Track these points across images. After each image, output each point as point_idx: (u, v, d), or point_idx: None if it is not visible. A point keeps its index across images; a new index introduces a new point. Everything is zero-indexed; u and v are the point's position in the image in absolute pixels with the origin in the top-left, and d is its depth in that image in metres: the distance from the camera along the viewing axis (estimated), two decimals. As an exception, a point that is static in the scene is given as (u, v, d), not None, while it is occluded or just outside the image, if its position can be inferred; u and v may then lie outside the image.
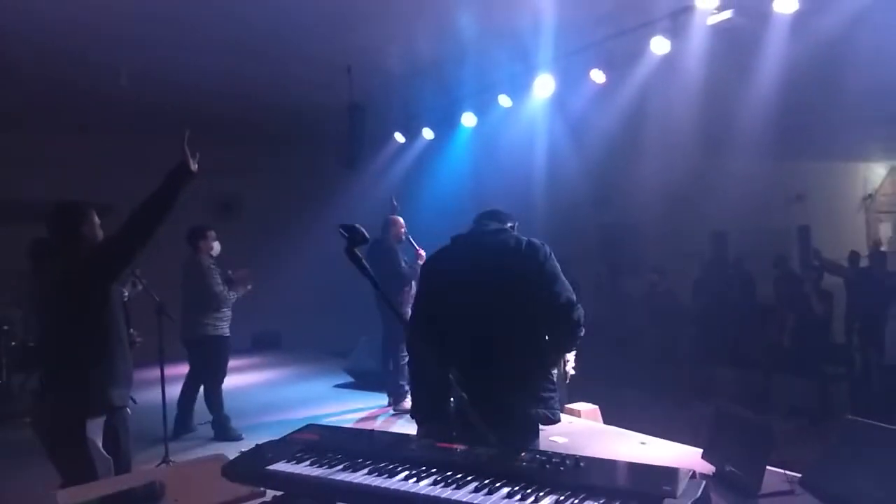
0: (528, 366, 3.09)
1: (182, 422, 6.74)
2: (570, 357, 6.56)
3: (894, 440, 3.90)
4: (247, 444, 6.05)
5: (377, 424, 6.68)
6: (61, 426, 3.48)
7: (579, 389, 6.85)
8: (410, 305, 7.04)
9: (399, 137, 10.21)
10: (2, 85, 8.54)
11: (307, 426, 2.85)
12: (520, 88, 8.59)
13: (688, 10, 7.06)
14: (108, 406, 3.59)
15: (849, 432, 4.45)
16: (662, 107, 8.19)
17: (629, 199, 11.19)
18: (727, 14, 6.92)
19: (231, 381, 8.96)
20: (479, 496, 1.96)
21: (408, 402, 6.90)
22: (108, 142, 10.60)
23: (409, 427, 6.22)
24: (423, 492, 2.04)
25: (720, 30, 7.05)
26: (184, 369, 6.89)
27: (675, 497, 1.76)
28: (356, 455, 2.37)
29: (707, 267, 12.38)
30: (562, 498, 1.88)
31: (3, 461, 6.00)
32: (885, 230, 16.09)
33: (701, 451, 5.36)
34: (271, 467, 2.38)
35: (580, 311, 3.12)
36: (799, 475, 4.38)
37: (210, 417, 6.78)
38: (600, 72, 7.88)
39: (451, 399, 2.70)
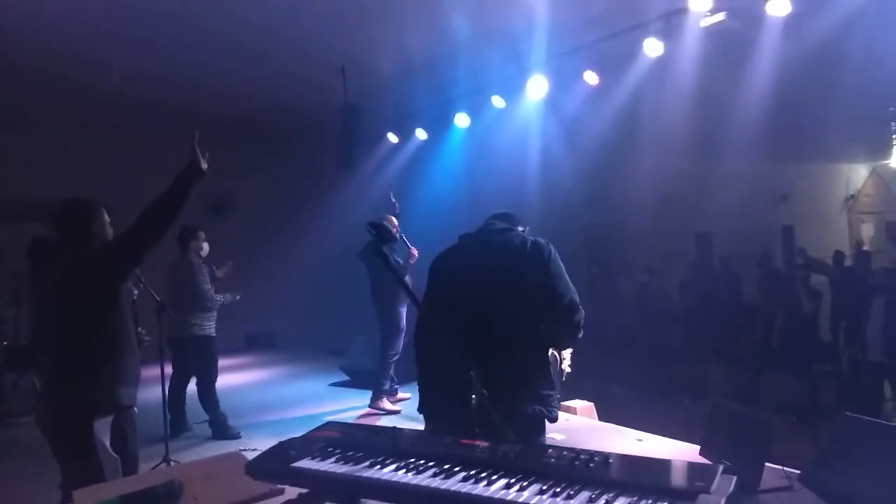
0: (529, 364, 3.11)
1: (176, 422, 6.71)
2: (567, 355, 6.64)
3: (894, 437, 3.96)
4: (245, 443, 6.10)
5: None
6: (69, 425, 3.44)
7: (572, 387, 6.94)
8: (403, 305, 7.25)
9: (392, 138, 10.23)
10: (-1, 84, 8.50)
11: (327, 423, 2.87)
12: (513, 89, 8.64)
13: (681, 12, 7.14)
14: (117, 405, 3.55)
15: (847, 428, 4.52)
16: (654, 108, 8.30)
17: (620, 199, 11.28)
18: (720, 17, 7.00)
19: (226, 381, 8.97)
20: (511, 492, 1.97)
21: (386, 403, 7.20)
22: (104, 141, 10.53)
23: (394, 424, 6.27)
24: (453, 488, 2.06)
25: (713, 32, 7.13)
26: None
27: (708, 493, 1.77)
28: (380, 452, 2.39)
29: (694, 266, 12.51)
30: (594, 495, 1.89)
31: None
32: (866, 230, 16.32)
33: (698, 447, 5.45)
34: (296, 464, 2.40)
35: (581, 314, 3.13)
36: (797, 471, 4.46)
37: (206, 417, 6.77)
38: (593, 73, 7.95)
39: (473, 396, 2.75)
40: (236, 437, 6.60)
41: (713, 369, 9.40)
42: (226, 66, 8.69)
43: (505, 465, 2.16)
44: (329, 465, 2.36)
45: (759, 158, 11.54)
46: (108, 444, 3.49)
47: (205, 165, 3.63)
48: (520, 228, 3.40)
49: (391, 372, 7.43)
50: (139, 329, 4.12)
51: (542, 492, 1.95)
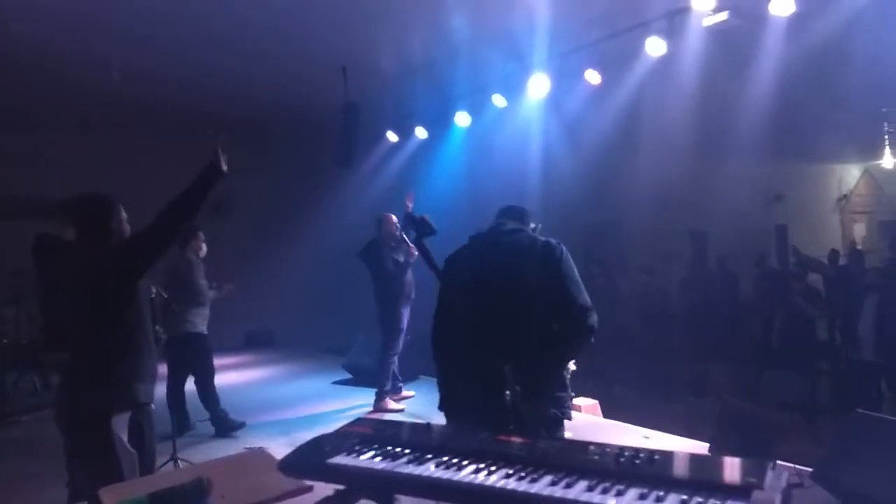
0: (542, 366, 3.09)
1: (178, 421, 6.66)
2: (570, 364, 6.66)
3: (904, 434, 3.99)
4: (252, 442, 6.07)
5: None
6: (86, 421, 3.42)
7: (575, 386, 6.95)
8: (405, 306, 7.21)
9: (391, 136, 10.20)
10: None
11: (358, 419, 2.86)
12: (514, 88, 8.63)
13: (684, 11, 7.15)
14: (134, 402, 3.54)
15: (857, 426, 4.56)
16: (655, 108, 8.32)
17: (619, 198, 11.29)
18: (723, 16, 7.02)
19: (227, 379, 8.96)
20: (558, 489, 1.96)
21: (391, 403, 7.16)
22: (103, 139, 10.46)
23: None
24: (497, 485, 2.06)
25: (715, 32, 7.15)
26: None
27: (762, 489, 1.78)
28: (416, 448, 2.38)
29: (692, 266, 12.56)
30: (645, 491, 1.88)
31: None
32: (858, 230, 16.39)
33: (706, 444, 5.48)
34: (332, 460, 2.39)
35: (594, 317, 3.09)
36: (808, 469, 4.48)
37: (207, 415, 6.75)
38: (595, 72, 7.96)
39: (507, 392, 2.76)
40: (241, 426, 6.65)
41: (713, 368, 9.44)
42: (225, 66, 8.66)
43: (546, 461, 2.16)
44: (366, 462, 2.35)
45: (756, 158, 11.58)
46: (125, 440, 3.48)
47: (225, 167, 3.61)
48: (532, 226, 3.42)
49: (394, 370, 7.40)
50: (156, 327, 4.10)
51: (589, 489, 1.95)
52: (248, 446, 6.09)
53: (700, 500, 1.79)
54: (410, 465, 2.27)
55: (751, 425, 5.35)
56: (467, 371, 3.18)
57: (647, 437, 6.11)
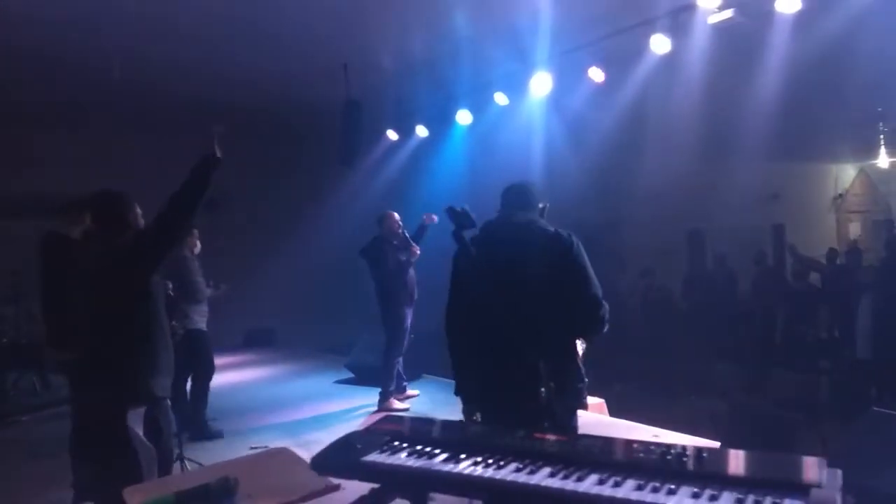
0: (557, 359, 3.06)
1: (181, 420, 6.60)
2: (580, 349, 6.63)
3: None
4: (259, 442, 6.02)
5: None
6: (102, 416, 3.44)
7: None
8: (408, 306, 7.14)
9: (392, 135, 10.14)
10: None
11: (387, 416, 2.83)
12: (516, 86, 8.59)
13: (689, 8, 7.14)
14: (151, 396, 3.58)
15: (875, 424, 4.55)
16: (658, 106, 8.27)
17: (620, 196, 11.28)
18: (728, 13, 7.01)
19: (229, 378, 8.92)
20: (606, 488, 1.92)
21: (395, 403, 7.08)
22: (100, 137, 10.34)
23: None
24: (542, 483, 2.01)
25: (720, 29, 7.14)
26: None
27: (820, 486, 1.74)
28: (451, 445, 2.34)
29: (691, 264, 12.58)
30: (697, 490, 1.84)
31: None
32: (854, 229, 16.45)
33: (717, 444, 5.45)
34: (367, 458, 2.34)
35: (605, 309, 3.10)
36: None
37: (213, 415, 6.70)
38: (599, 70, 7.93)
39: (542, 390, 2.75)
40: (217, 436, 6.55)
41: (714, 367, 9.42)
42: (225, 63, 8.60)
43: (589, 459, 2.12)
44: (402, 460, 2.31)
45: (755, 157, 11.59)
46: (141, 434, 3.50)
47: (220, 153, 3.69)
48: (541, 205, 3.41)
49: (399, 369, 7.35)
50: (172, 322, 4.11)
51: (639, 487, 1.91)
52: (253, 446, 6.06)
53: (756, 498, 1.76)
54: (448, 463, 2.23)
55: (762, 423, 5.34)
56: (488, 363, 3.18)
57: (656, 436, 6.07)
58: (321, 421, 6.84)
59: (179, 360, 6.45)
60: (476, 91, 8.97)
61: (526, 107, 8.72)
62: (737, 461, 1.99)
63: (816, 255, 11.14)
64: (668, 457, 2.04)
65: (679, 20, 7.32)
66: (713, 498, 1.80)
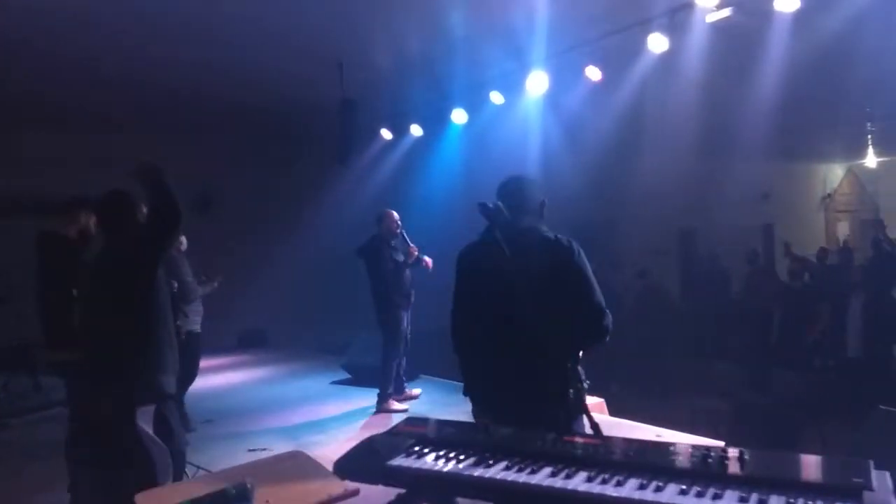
0: (559, 366, 2.99)
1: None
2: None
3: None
4: (260, 445, 5.94)
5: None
6: (110, 416, 3.41)
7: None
8: (405, 308, 7.05)
9: (386, 134, 10.05)
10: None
11: (409, 419, 2.77)
12: (512, 85, 8.54)
13: (686, 7, 7.11)
14: (160, 393, 3.57)
15: (882, 422, 4.55)
16: (654, 106, 8.24)
17: (615, 195, 11.27)
18: (726, 12, 6.99)
19: (224, 379, 8.85)
20: (649, 493, 1.86)
21: (394, 404, 7.01)
22: (88, 136, 10.17)
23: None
24: (580, 488, 1.96)
25: (715, 28, 7.12)
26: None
27: (871, 489, 1.70)
28: (478, 449, 2.29)
29: (686, 263, 12.62)
30: (744, 494, 1.79)
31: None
32: (842, 228, 16.60)
33: (721, 443, 5.43)
34: (393, 463, 2.28)
35: (609, 319, 3.04)
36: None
37: (210, 417, 6.63)
38: (596, 69, 7.89)
39: (571, 390, 2.73)
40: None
41: (711, 366, 9.42)
42: (216, 61, 8.47)
43: (627, 464, 2.07)
44: (429, 464, 2.25)
45: (746, 157, 11.64)
46: (151, 433, 3.46)
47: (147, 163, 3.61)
48: (540, 201, 3.31)
49: (399, 371, 7.27)
50: (177, 322, 4.08)
51: (682, 492, 1.85)
52: (252, 448, 5.98)
53: (807, 502, 1.71)
54: (479, 468, 2.17)
55: (762, 422, 5.33)
56: (494, 365, 3.14)
57: (659, 436, 6.05)
58: (320, 423, 6.76)
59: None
60: (472, 90, 8.90)
61: (522, 106, 8.66)
62: (781, 464, 1.94)
63: (807, 254, 11.20)
64: (709, 459, 2.00)
65: (676, 19, 7.32)
66: (762, 502, 1.75)
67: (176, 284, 5.00)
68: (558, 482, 2.01)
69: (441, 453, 2.31)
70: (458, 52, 8.27)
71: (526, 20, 7.55)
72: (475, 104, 9.03)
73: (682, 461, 2.03)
